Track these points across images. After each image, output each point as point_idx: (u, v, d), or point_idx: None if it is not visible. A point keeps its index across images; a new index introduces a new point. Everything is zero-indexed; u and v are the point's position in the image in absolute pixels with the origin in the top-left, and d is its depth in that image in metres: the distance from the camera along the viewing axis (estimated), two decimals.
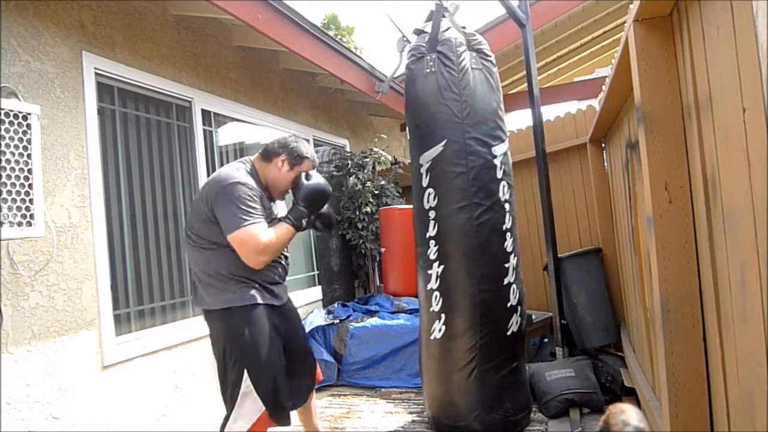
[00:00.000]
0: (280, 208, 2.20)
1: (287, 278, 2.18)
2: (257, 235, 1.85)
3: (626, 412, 0.86)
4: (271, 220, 1.99)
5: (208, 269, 1.94)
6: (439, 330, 2.56)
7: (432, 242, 2.58)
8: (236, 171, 1.96)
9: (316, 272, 4.44)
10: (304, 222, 2.03)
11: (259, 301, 1.94)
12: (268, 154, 2.08)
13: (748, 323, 1.02)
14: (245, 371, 1.86)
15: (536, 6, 4.08)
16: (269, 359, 1.92)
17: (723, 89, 1.07)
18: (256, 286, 1.95)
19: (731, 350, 1.15)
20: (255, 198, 1.91)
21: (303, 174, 2.09)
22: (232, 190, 1.86)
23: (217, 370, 1.95)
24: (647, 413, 2.04)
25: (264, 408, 1.87)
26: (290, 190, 2.14)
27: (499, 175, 2.58)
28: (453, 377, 2.55)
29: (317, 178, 2.10)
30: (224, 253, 1.90)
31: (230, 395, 1.89)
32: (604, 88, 2.50)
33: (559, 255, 3.38)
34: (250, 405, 1.86)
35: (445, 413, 2.60)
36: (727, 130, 1.06)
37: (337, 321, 3.84)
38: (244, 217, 1.84)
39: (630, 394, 2.69)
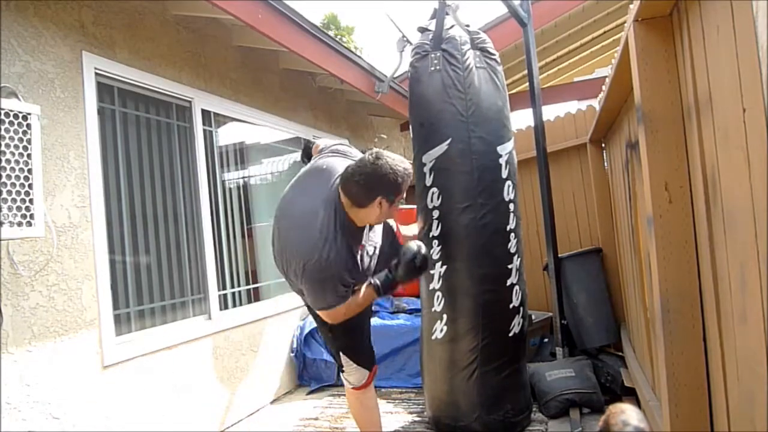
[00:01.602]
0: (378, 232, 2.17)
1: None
2: (336, 316, 1.96)
3: (626, 412, 0.86)
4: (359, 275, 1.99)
5: None
6: (441, 330, 2.56)
7: (435, 242, 2.58)
8: (319, 239, 1.85)
9: None
10: (387, 290, 2.01)
11: None
12: (360, 199, 1.87)
13: (748, 323, 1.02)
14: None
15: (536, 6, 4.07)
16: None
17: (723, 89, 1.07)
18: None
19: (731, 350, 1.15)
20: (335, 281, 1.88)
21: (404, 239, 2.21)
22: (311, 274, 1.86)
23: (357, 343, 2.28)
24: (647, 413, 2.04)
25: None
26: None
27: (504, 174, 2.56)
28: (454, 378, 2.55)
29: (417, 248, 1.97)
30: None
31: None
32: (604, 88, 2.50)
33: (559, 255, 3.38)
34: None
35: (446, 413, 2.60)
36: (727, 130, 1.06)
37: None
38: (328, 299, 1.91)
39: (630, 394, 2.69)
